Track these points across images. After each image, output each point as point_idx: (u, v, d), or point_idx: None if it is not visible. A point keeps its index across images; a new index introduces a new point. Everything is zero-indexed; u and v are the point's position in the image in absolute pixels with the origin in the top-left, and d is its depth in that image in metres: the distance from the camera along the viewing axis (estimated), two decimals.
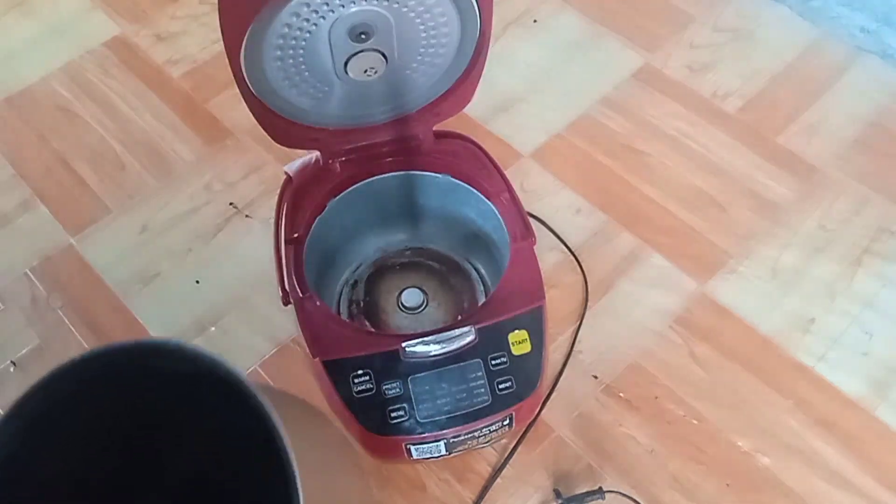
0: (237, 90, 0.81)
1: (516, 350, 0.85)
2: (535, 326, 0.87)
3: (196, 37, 1.47)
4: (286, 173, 0.98)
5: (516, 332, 0.85)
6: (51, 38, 1.49)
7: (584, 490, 0.96)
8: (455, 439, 0.84)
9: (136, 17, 1.51)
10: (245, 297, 1.15)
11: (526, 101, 1.36)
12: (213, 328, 1.12)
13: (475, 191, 0.98)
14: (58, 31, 1.50)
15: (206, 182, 1.27)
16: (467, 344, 0.84)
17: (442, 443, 0.84)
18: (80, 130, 1.35)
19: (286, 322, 1.09)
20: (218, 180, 1.28)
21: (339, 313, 1.03)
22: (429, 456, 0.86)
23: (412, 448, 0.84)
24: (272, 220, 0.96)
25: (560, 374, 1.06)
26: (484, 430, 0.85)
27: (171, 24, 1.50)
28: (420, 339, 0.84)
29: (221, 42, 0.74)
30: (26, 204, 1.26)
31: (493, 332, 0.85)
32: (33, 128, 1.36)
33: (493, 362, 0.84)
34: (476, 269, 1.08)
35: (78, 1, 1.55)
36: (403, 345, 0.83)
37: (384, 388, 0.83)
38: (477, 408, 0.83)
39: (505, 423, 0.86)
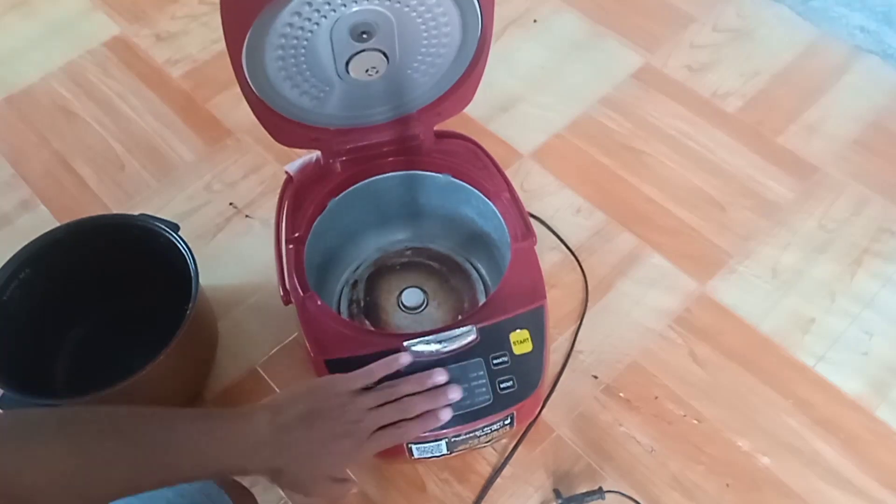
0: (237, 90, 0.81)
1: (518, 349, 0.85)
2: (537, 326, 0.87)
3: (196, 37, 1.47)
4: (287, 173, 0.98)
5: (518, 331, 0.85)
6: (51, 38, 1.49)
7: (584, 490, 0.96)
8: (456, 438, 0.84)
9: (136, 17, 1.51)
10: (245, 296, 1.15)
11: (526, 101, 1.36)
12: None
13: (476, 191, 0.98)
14: (58, 31, 1.50)
15: (206, 182, 1.27)
16: (469, 343, 0.84)
17: (443, 442, 0.84)
18: (80, 130, 1.35)
19: (286, 322, 1.09)
20: (218, 180, 1.28)
21: (339, 313, 1.03)
22: (430, 455, 0.86)
23: (413, 447, 0.84)
24: (272, 220, 0.96)
25: (560, 374, 1.06)
26: (485, 429, 0.85)
27: (171, 24, 1.50)
28: (421, 339, 0.84)
29: (221, 42, 0.74)
30: (26, 204, 1.27)
31: (495, 331, 0.85)
32: (33, 128, 1.36)
33: (495, 362, 0.84)
34: (476, 269, 1.08)
35: (78, 1, 1.55)
36: (405, 344, 0.83)
37: None
38: (478, 407, 0.83)
39: (506, 422, 0.86)
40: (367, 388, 0.78)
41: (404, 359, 0.81)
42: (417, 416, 0.78)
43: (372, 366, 0.80)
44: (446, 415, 0.79)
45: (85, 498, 0.62)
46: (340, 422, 0.74)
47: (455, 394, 0.80)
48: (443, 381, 0.81)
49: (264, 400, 0.75)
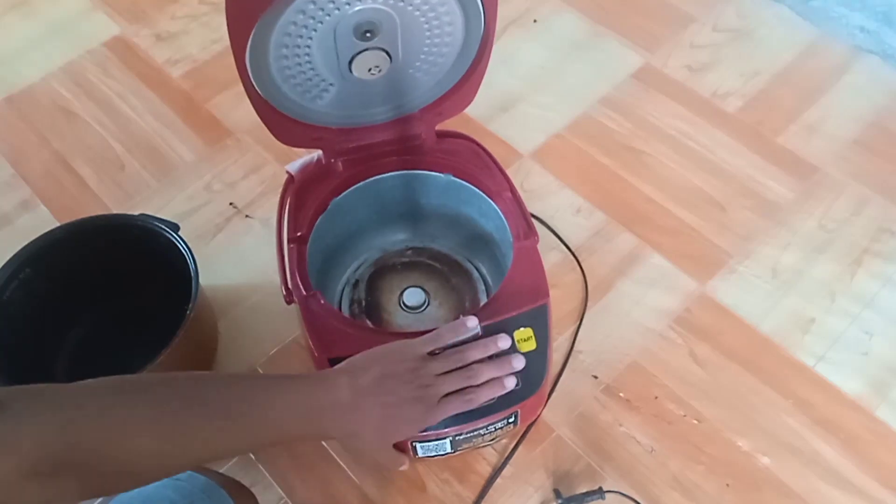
0: (237, 90, 0.81)
1: (521, 347, 0.85)
2: (540, 324, 0.87)
3: (196, 37, 1.47)
4: (288, 172, 0.98)
5: (521, 329, 0.85)
6: (51, 38, 1.49)
7: (584, 490, 0.96)
8: (460, 437, 0.84)
9: (136, 17, 1.51)
10: (245, 297, 1.15)
11: (526, 101, 1.36)
12: None
13: (477, 190, 0.98)
14: (58, 31, 1.50)
15: (206, 182, 1.27)
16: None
17: (447, 440, 0.84)
18: (80, 130, 1.35)
19: (286, 322, 1.09)
20: (218, 180, 1.28)
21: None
22: (434, 454, 0.85)
23: (417, 446, 0.84)
24: (272, 220, 0.96)
25: (560, 373, 1.06)
26: (489, 427, 0.85)
27: (171, 24, 1.50)
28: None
29: (221, 42, 0.75)
30: (26, 204, 1.27)
31: (499, 329, 0.85)
32: (33, 128, 1.36)
33: None
34: (477, 269, 1.08)
35: (78, 1, 1.55)
36: None
37: None
38: (483, 405, 0.83)
39: (510, 420, 0.86)
40: (433, 353, 0.79)
41: (471, 322, 0.82)
42: (483, 383, 0.79)
43: (440, 330, 0.81)
44: (511, 382, 0.80)
45: (169, 464, 0.64)
46: (412, 386, 0.75)
47: (519, 362, 0.81)
48: (506, 347, 0.82)
49: (339, 365, 0.76)
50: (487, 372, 0.79)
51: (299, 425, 0.70)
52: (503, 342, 0.82)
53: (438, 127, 0.99)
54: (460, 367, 0.78)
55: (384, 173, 0.99)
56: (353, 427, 0.73)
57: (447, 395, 0.77)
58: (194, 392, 0.65)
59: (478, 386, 0.78)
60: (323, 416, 0.71)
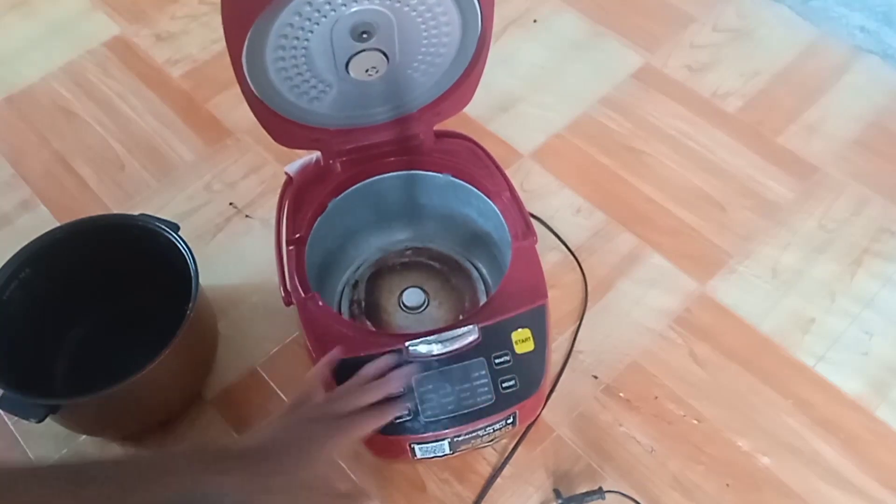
0: (237, 90, 0.81)
1: (519, 349, 0.85)
2: (538, 325, 0.87)
3: (196, 37, 1.47)
4: (287, 174, 0.98)
5: (519, 330, 0.85)
6: (51, 38, 1.49)
7: (584, 490, 0.96)
8: (458, 438, 0.84)
9: (136, 17, 1.51)
10: (245, 296, 1.15)
11: (526, 101, 1.36)
12: None
13: (476, 190, 0.98)
14: (58, 31, 1.50)
15: (206, 182, 1.27)
16: (471, 343, 0.84)
17: (446, 442, 0.84)
18: (80, 130, 1.35)
19: (286, 322, 1.09)
20: (218, 180, 1.28)
21: (339, 313, 1.03)
22: (432, 455, 0.86)
23: (416, 447, 0.84)
24: (272, 220, 0.96)
25: (560, 373, 1.06)
26: (487, 428, 0.85)
27: (171, 24, 1.50)
28: (423, 339, 0.84)
29: (221, 42, 0.74)
30: (26, 204, 1.27)
31: (497, 330, 0.85)
32: (33, 128, 1.36)
33: (497, 361, 0.84)
34: (477, 269, 1.08)
35: (78, 1, 1.55)
36: (407, 344, 0.83)
37: None
38: (481, 407, 0.83)
39: (508, 421, 0.86)
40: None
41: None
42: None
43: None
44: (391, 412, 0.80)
45: None
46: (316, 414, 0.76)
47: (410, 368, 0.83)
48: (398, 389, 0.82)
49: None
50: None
51: None
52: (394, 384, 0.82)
53: (437, 127, 0.99)
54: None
55: (383, 174, 0.99)
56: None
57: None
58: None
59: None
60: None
